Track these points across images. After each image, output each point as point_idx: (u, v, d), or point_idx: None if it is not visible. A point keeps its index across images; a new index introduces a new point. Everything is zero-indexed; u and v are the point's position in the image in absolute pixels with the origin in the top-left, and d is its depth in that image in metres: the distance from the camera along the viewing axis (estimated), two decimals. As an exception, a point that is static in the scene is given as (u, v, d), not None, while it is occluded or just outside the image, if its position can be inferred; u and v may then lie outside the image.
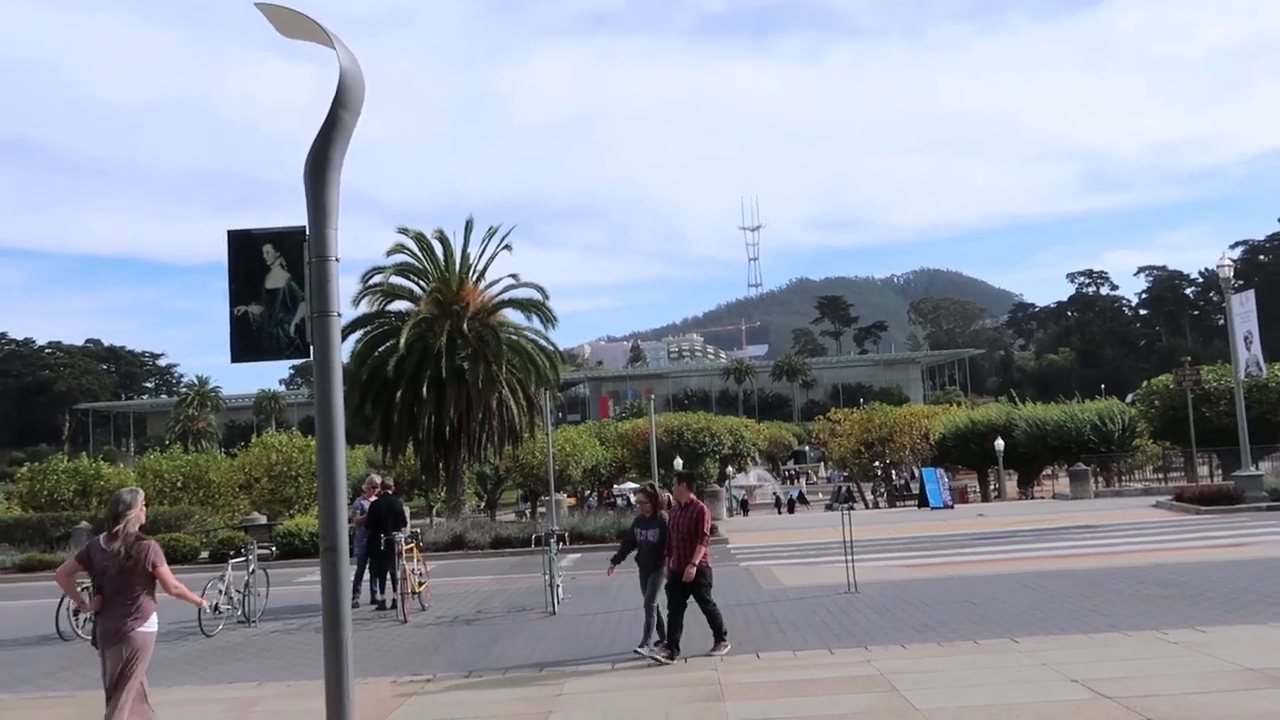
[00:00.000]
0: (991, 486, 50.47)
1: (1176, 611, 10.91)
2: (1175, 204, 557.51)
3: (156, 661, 6.75)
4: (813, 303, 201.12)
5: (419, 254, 31.82)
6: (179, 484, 37.87)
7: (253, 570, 14.76)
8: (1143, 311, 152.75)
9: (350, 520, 15.19)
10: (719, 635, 10.13)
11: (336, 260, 5.42)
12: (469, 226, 31.90)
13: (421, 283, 31.92)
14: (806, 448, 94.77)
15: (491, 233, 31.80)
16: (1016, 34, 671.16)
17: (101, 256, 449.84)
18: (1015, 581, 14.10)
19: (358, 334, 31.47)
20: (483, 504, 52.89)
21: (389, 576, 15.20)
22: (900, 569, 16.79)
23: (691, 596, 9.98)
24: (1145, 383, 46.88)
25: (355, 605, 14.43)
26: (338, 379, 5.43)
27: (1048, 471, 51.97)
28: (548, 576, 14.01)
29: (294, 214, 5.68)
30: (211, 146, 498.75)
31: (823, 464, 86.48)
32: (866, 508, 49.34)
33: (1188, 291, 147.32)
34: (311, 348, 5.42)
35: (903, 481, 58.77)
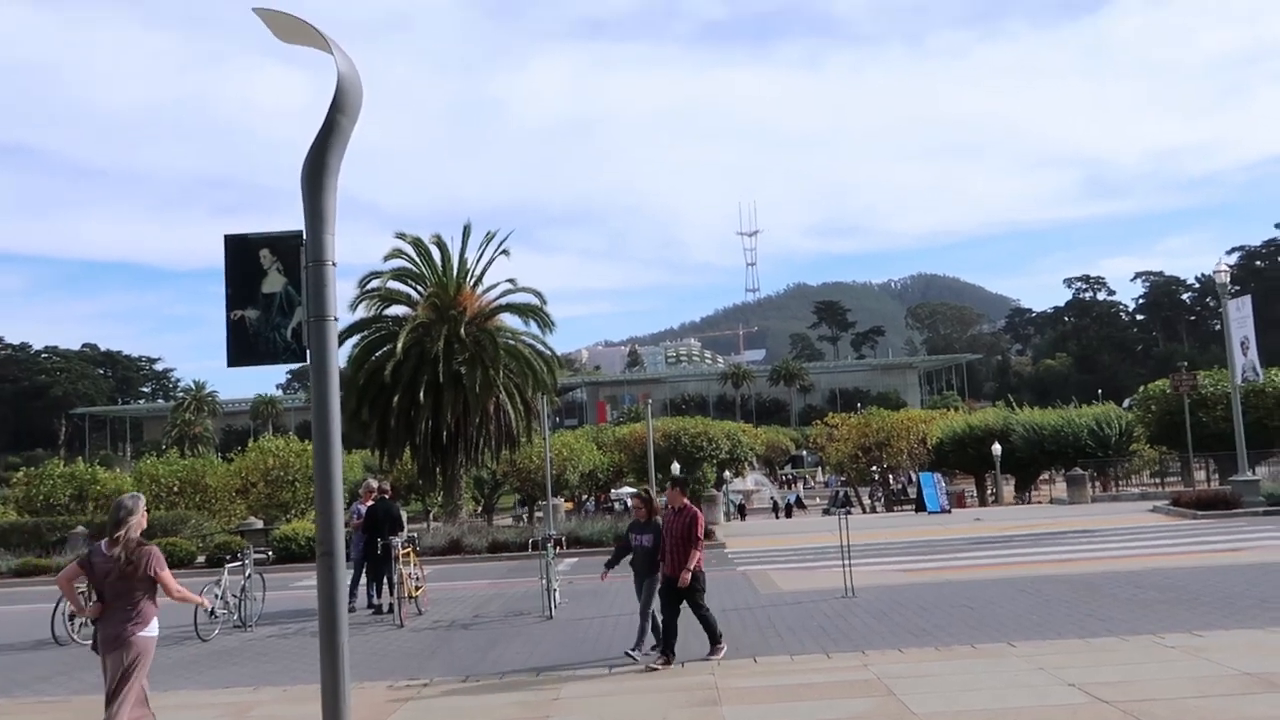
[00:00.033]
0: (989, 491, 50.51)
1: (1173, 616, 10.92)
2: (1174, 210, 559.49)
3: (152, 666, 6.75)
4: (810, 308, 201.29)
5: (416, 259, 31.82)
6: (175, 489, 37.81)
7: (249, 575, 14.73)
8: (1140, 317, 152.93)
9: (347, 525, 15.18)
10: (714, 640, 10.11)
11: (333, 265, 5.43)
12: (466, 231, 31.93)
13: (419, 288, 31.91)
14: (804, 452, 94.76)
15: (489, 238, 31.83)
16: (1017, 40, 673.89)
17: (99, 261, 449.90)
18: (1012, 586, 14.10)
19: (355, 338, 31.46)
20: (480, 508, 52.84)
21: (386, 581, 15.19)
22: (897, 573, 16.78)
23: (685, 602, 9.95)
24: (1142, 388, 46.89)
25: (352, 610, 14.43)
26: (334, 383, 5.44)
27: (1045, 476, 51.99)
28: (545, 581, 14.01)
29: (292, 219, 5.68)
30: (209, 151, 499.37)
31: (820, 469, 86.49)
32: (864, 512, 49.32)
33: (1185, 297, 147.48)
34: (308, 352, 5.42)
35: (900, 486, 58.78)
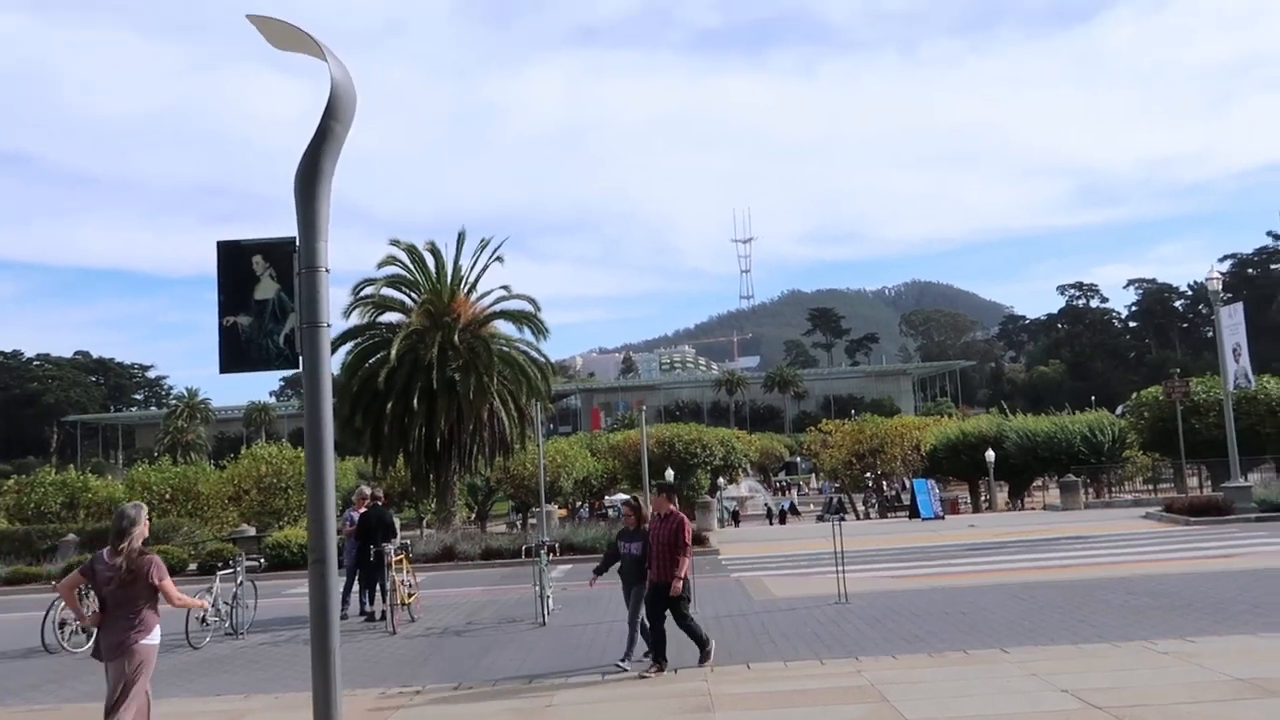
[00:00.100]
0: (982, 497, 50.60)
1: (1166, 622, 10.94)
2: (1167, 218, 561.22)
3: (143, 674, 6.73)
4: (804, 315, 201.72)
5: (411, 266, 31.82)
6: (168, 496, 37.69)
7: (241, 582, 14.69)
8: (1132, 324, 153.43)
9: (339, 532, 15.16)
10: (702, 646, 9.94)
11: (327, 271, 5.42)
12: (461, 238, 31.94)
13: (413, 294, 31.91)
14: (798, 459, 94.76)
15: (483, 245, 31.86)
16: (1010, 49, 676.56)
17: (92, 268, 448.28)
18: (1005, 592, 14.12)
19: (348, 345, 31.44)
20: (473, 515, 52.78)
21: (378, 588, 15.15)
22: (891, 580, 16.79)
23: (669, 611, 9.80)
24: (1135, 394, 47.05)
25: (344, 617, 14.39)
26: (327, 390, 5.43)
27: (1038, 483, 52.15)
28: (538, 587, 13.99)
29: (286, 226, 5.67)
30: (204, 159, 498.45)
31: (814, 475, 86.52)
32: (858, 519, 49.36)
33: (1177, 304, 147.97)
34: (301, 359, 5.41)
35: (894, 492, 58.77)
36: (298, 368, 5.47)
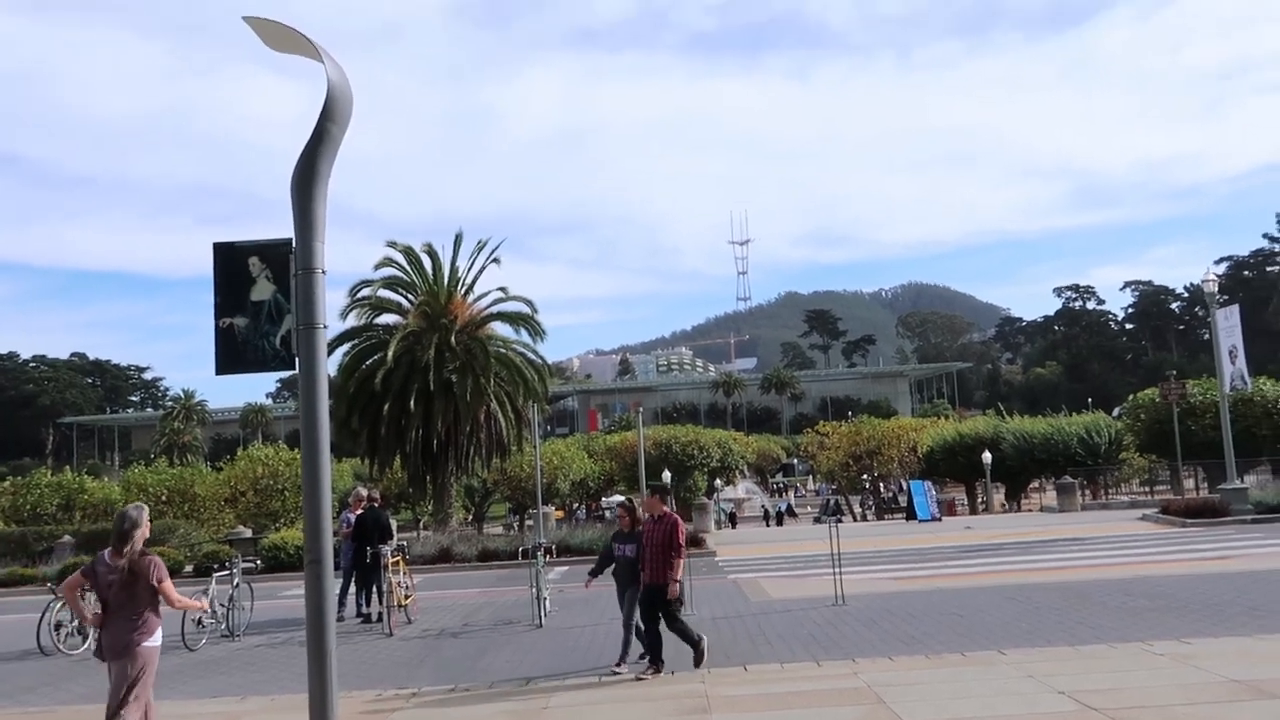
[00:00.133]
0: (979, 499, 50.60)
1: (1162, 624, 10.95)
2: (1163, 220, 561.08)
3: (139, 676, 6.72)
4: (801, 316, 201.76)
5: (407, 267, 31.82)
6: (164, 498, 37.68)
7: (237, 584, 14.67)
8: (1129, 326, 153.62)
9: (336, 533, 15.14)
10: (694, 646, 9.85)
11: (323, 272, 5.42)
12: (458, 240, 31.96)
13: (410, 296, 31.90)
14: (795, 460, 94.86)
15: (480, 246, 31.86)
16: (1005, 52, 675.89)
17: (88, 270, 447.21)
18: (1002, 594, 14.13)
19: (345, 347, 31.43)
20: (470, 517, 52.77)
21: (375, 589, 15.13)
22: (888, 581, 16.80)
23: (661, 614, 9.74)
24: (1131, 396, 47.15)
25: (341, 619, 14.37)
26: (323, 392, 5.42)
27: (1035, 484, 52.15)
28: (535, 589, 13.98)
29: (283, 228, 5.65)
30: (200, 160, 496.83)
31: (811, 477, 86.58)
32: (854, 520, 49.37)
33: (1173, 306, 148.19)
34: (297, 360, 5.40)
35: (890, 494, 58.82)
36: (294, 369, 5.46)
